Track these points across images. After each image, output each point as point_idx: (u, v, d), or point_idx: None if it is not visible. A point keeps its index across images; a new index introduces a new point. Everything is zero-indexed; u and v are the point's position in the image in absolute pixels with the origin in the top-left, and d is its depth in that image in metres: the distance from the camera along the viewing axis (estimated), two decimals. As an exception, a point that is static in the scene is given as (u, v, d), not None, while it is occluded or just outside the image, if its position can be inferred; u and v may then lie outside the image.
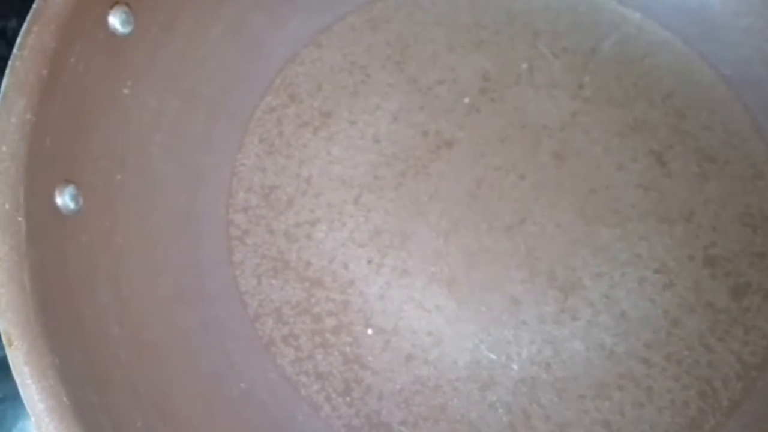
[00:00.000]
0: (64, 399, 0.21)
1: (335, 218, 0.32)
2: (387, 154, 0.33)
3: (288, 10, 0.33)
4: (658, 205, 0.32)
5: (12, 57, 0.24)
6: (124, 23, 0.27)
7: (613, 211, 0.32)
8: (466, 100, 0.33)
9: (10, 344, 0.21)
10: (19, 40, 0.24)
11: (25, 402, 0.21)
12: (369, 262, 0.31)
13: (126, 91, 0.28)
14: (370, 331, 0.30)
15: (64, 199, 0.25)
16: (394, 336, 0.30)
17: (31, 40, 0.24)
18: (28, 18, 0.25)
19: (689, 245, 0.31)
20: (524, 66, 0.34)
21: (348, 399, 0.30)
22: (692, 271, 0.31)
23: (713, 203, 0.32)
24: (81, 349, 0.23)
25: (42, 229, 0.23)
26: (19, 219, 0.22)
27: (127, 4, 0.27)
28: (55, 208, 0.24)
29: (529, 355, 0.30)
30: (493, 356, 0.30)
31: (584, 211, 0.32)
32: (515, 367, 0.30)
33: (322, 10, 0.33)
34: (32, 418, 0.21)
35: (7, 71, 0.24)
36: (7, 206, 0.22)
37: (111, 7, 0.27)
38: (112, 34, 0.27)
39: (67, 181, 0.25)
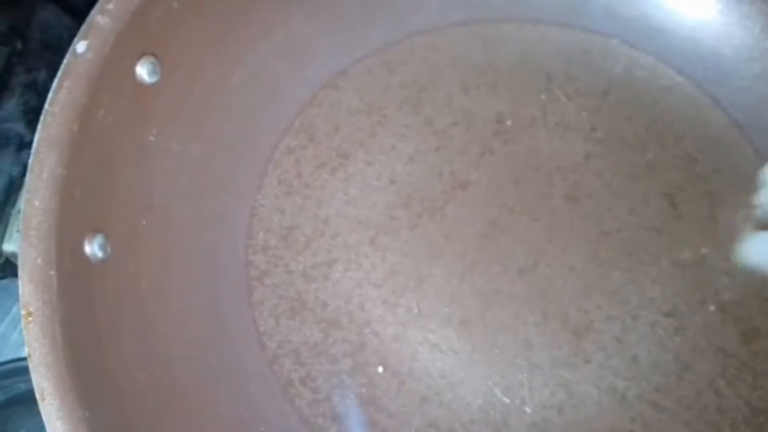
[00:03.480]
0: (95, 452, 0.21)
1: (352, 259, 0.33)
2: (403, 195, 0.33)
3: (307, 55, 0.33)
4: (670, 248, 0.32)
5: (43, 112, 0.25)
6: (151, 73, 0.28)
7: (625, 254, 0.32)
8: (481, 141, 0.34)
9: (43, 399, 0.22)
10: (50, 95, 0.25)
11: (57, 453, 0.22)
12: (384, 302, 0.32)
13: (151, 138, 0.29)
14: (381, 370, 0.31)
15: (92, 248, 0.26)
16: (408, 378, 0.31)
17: (62, 95, 0.25)
18: (59, 74, 0.25)
19: (700, 289, 0.32)
20: (538, 108, 0.34)
21: (365, 442, 0.30)
22: (703, 315, 0.31)
23: (724, 247, 0.32)
24: (109, 398, 0.24)
25: (72, 280, 0.24)
26: (51, 273, 0.23)
27: (154, 55, 0.28)
28: (85, 258, 0.25)
29: (541, 398, 0.30)
30: (506, 399, 0.30)
31: (597, 254, 0.32)
32: (528, 410, 0.30)
33: (339, 54, 0.34)
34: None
35: (39, 126, 0.25)
36: (39, 261, 0.23)
37: (139, 58, 0.27)
38: (139, 84, 0.28)
39: (96, 231, 0.26)
